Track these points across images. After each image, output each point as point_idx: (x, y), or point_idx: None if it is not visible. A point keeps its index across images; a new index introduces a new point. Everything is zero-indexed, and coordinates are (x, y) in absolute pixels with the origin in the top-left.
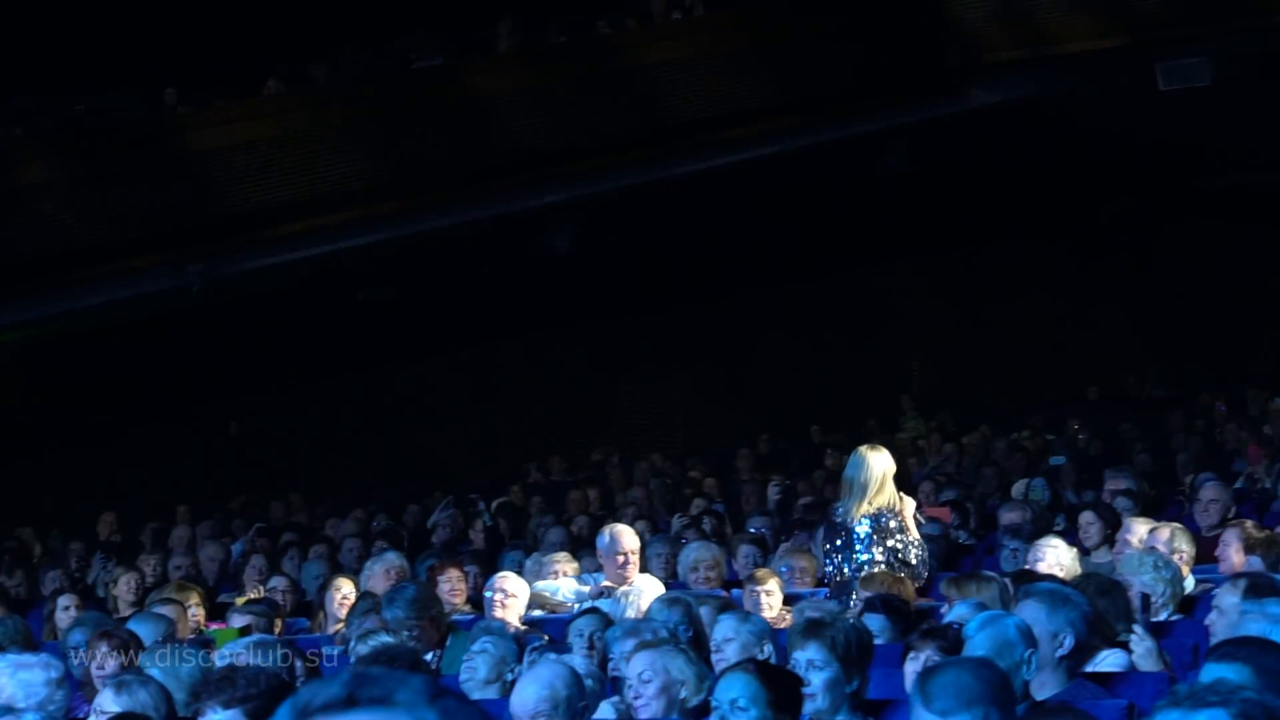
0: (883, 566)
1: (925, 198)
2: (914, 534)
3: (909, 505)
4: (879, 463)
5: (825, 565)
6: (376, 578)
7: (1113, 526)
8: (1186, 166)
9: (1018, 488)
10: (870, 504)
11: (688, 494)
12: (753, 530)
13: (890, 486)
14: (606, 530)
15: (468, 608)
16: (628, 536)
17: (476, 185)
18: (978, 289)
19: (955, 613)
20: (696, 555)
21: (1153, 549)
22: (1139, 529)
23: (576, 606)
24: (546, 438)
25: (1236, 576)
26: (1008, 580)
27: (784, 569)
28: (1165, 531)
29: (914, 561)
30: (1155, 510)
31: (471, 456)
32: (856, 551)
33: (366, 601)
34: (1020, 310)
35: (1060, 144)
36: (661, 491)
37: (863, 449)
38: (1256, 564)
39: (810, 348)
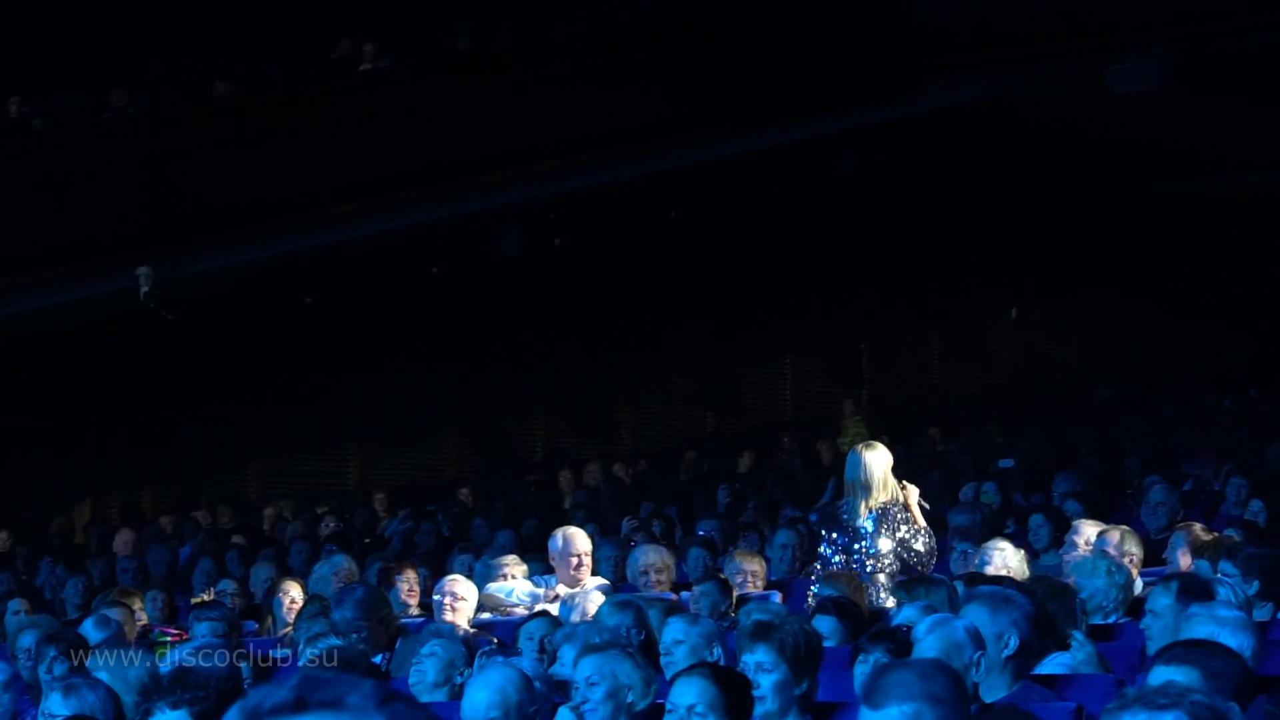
0: (892, 558)
1: (876, 200)
2: (920, 522)
3: (913, 493)
4: (877, 460)
5: (830, 557)
6: (325, 581)
7: (1062, 529)
8: (1139, 170)
9: (967, 490)
10: (875, 500)
11: (637, 496)
12: (702, 533)
13: (891, 481)
14: (559, 533)
15: (418, 611)
16: (580, 539)
17: (427, 188)
18: (928, 291)
19: (904, 615)
20: (646, 558)
21: (1103, 552)
22: (1087, 531)
23: (527, 609)
24: (493, 440)
25: (1168, 578)
26: (957, 583)
27: (733, 571)
28: (1114, 534)
29: (921, 549)
30: (1104, 513)
31: (418, 461)
32: (865, 545)
33: (314, 604)
34: (971, 313)
35: (1012, 147)
36: (611, 494)
37: (859, 448)
38: (1204, 567)
39: (761, 350)
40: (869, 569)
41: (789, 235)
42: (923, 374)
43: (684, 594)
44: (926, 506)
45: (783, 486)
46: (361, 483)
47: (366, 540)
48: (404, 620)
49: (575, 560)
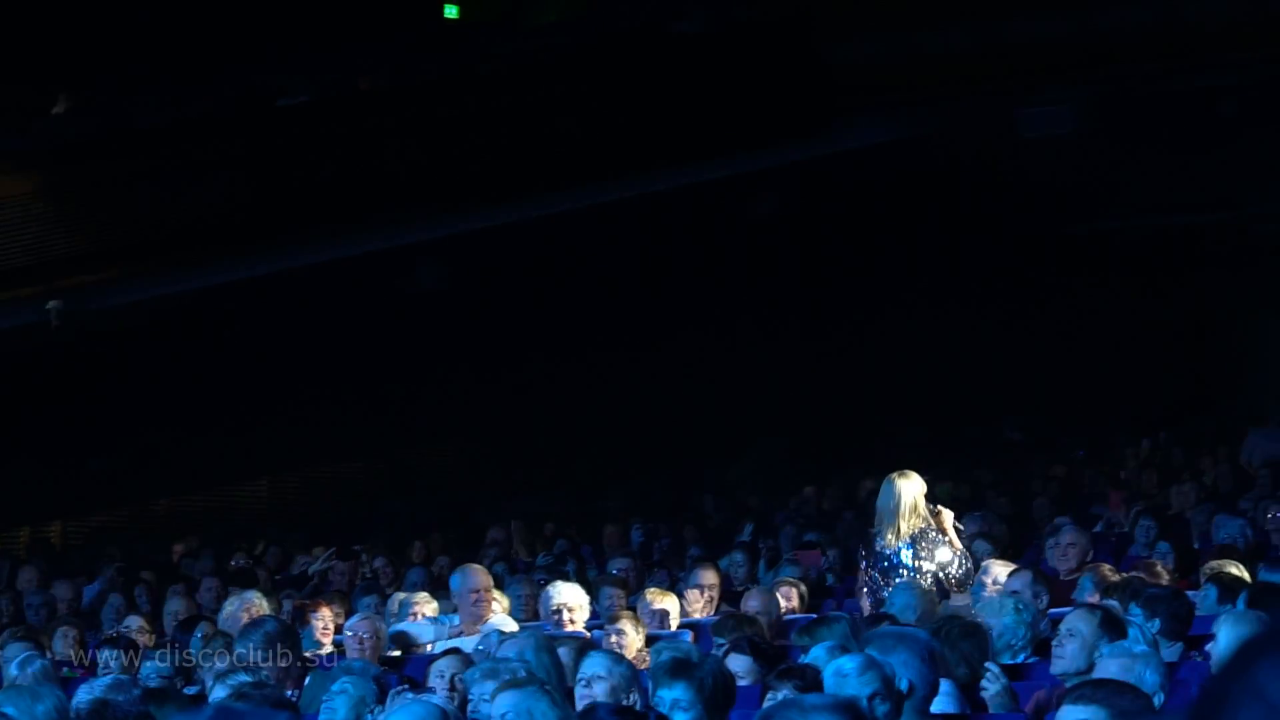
0: (930, 580)
1: (792, 239)
2: (957, 544)
3: (947, 517)
4: (908, 488)
5: (863, 588)
6: (235, 617)
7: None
8: (1048, 212)
9: None
10: (906, 526)
11: (549, 535)
12: (615, 572)
13: (922, 507)
14: (459, 570)
15: (329, 648)
16: (478, 576)
17: (345, 222)
18: (843, 330)
19: (813, 655)
20: (560, 596)
21: (1013, 592)
22: (996, 571)
23: (434, 647)
24: (412, 479)
25: (1093, 606)
26: (857, 620)
27: (645, 610)
28: (1023, 575)
29: (957, 571)
30: (1013, 553)
31: (331, 496)
32: (901, 573)
33: (219, 640)
34: (884, 352)
35: (932, 186)
36: (523, 532)
37: (893, 476)
38: (1114, 606)
39: (677, 385)
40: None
41: (704, 271)
42: (840, 409)
43: (596, 632)
44: (961, 529)
45: (695, 525)
46: (274, 518)
47: (277, 576)
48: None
49: (474, 597)
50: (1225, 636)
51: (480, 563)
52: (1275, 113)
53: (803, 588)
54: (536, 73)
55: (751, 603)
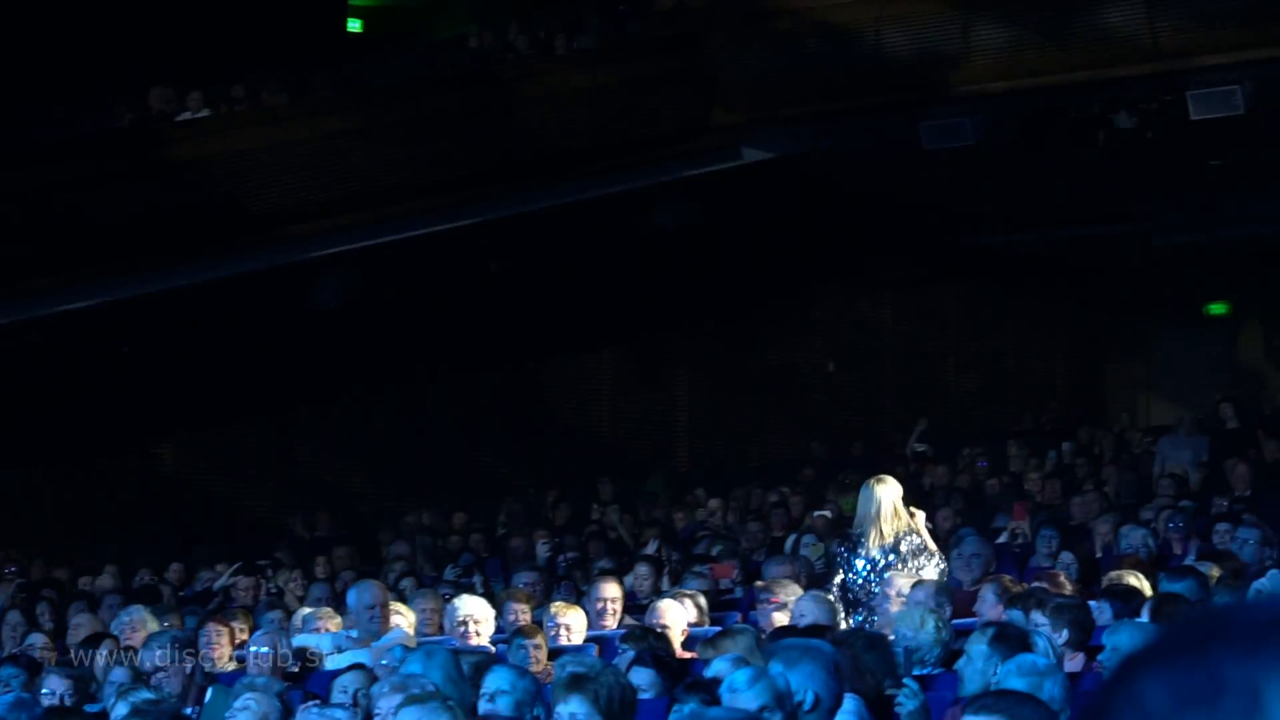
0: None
1: (694, 254)
2: (932, 546)
3: (920, 518)
4: (887, 493)
5: (852, 585)
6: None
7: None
8: (951, 224)
9: (790, 543)
10: (888, 530)
11: (454, 548)
12: (521, 584)
13: (902, 512)
14: (354, 586)
15: (231, 664)
16: (374, 590)
17: (242, 238)
18: (747, 344)
19: (716, 667)
20: (465, 609)
21: (920, 603)
22: (900, 583)
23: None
24: (316, 495)
25: (986, 625)
26: (761, 633)
27: (550, 624)
28: (927, 586)
29: (935, 574)
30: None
31: (234, 514)
32: (884, 575)
33: (120, 657)
34: (788, 365)
35: (829, 200)
36: (427, 546)
37: (870, 482)
38: (1018, 617)
39: (582, 401)
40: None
41: (604, 285)
42: (743, 426)
43: (500, 646)
44: (931, 527)
45: (599, 539)
46: (179, 536)
47: (181, 593)
48: (216, 673)
49: (370, 613)
50: (1115, 647)
51: (384, 577)
52: (1173, 125)
53: (702, 600)
54: (437, 86)
55: (656, 616)
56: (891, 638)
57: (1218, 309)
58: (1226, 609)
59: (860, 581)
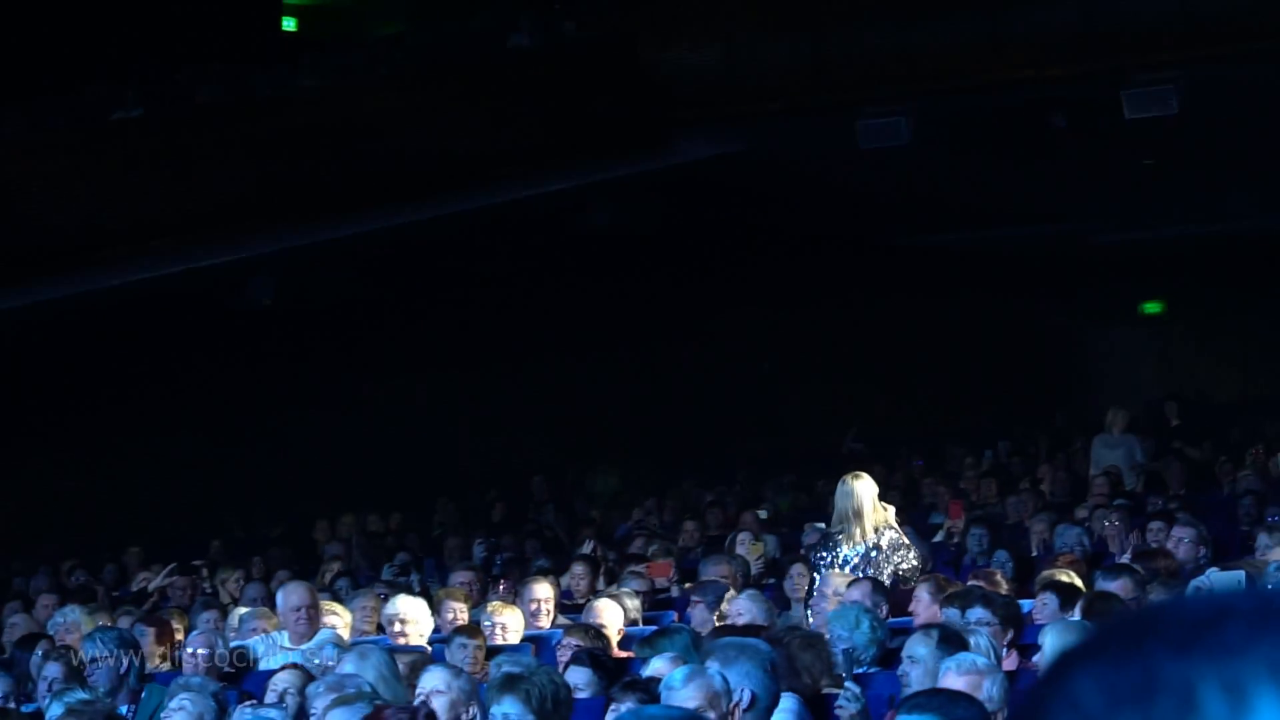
0: (889, 576)
1: (629, 253)
2: (907, 541)
3: (891, 513)
4: (865, 489)
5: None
6: (66, 633)
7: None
8: (886, 224)
9: (730, 541)
10: (868, 525)
11: (390, 548)
12: (458, 584)
13: (879, 507)
14: (281, 588)
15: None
16: (302, 591)
17: (174, 240)
18: (679, 341)
19: (653, 666)
20: (399, 609)
21: (856, 602)
22: (836, 582)
23: (268, 662)
24: (249, 492)
25: (928, 627)
26: (699, 632)
27: (487, 623)
28: (863, 585)
29: (915, 563)
30: None
31: (169, 514)
32: (865, 568)
33: (56, 654)
34: (722, 361)
35: (763, 199)
36: (364, 546)
37: (848, 478)
38: (954, 615)
39: (517, 400)
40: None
41: (542, 287)
42: (678, 420)
43: (436, 646)
44: (903, 522)
45: (535, 538)
46: (112, 536)
47: (115, 593)
48: (152, 672)
49: (296, 615)
50: (1050, 645)
51: (321, 578)
52: (1106, 126)
53: (637, 600)
54: (373, 86)
55: (592, 615)
56: (827, 636)
57: (1152, 308)
58: (1162, 607)
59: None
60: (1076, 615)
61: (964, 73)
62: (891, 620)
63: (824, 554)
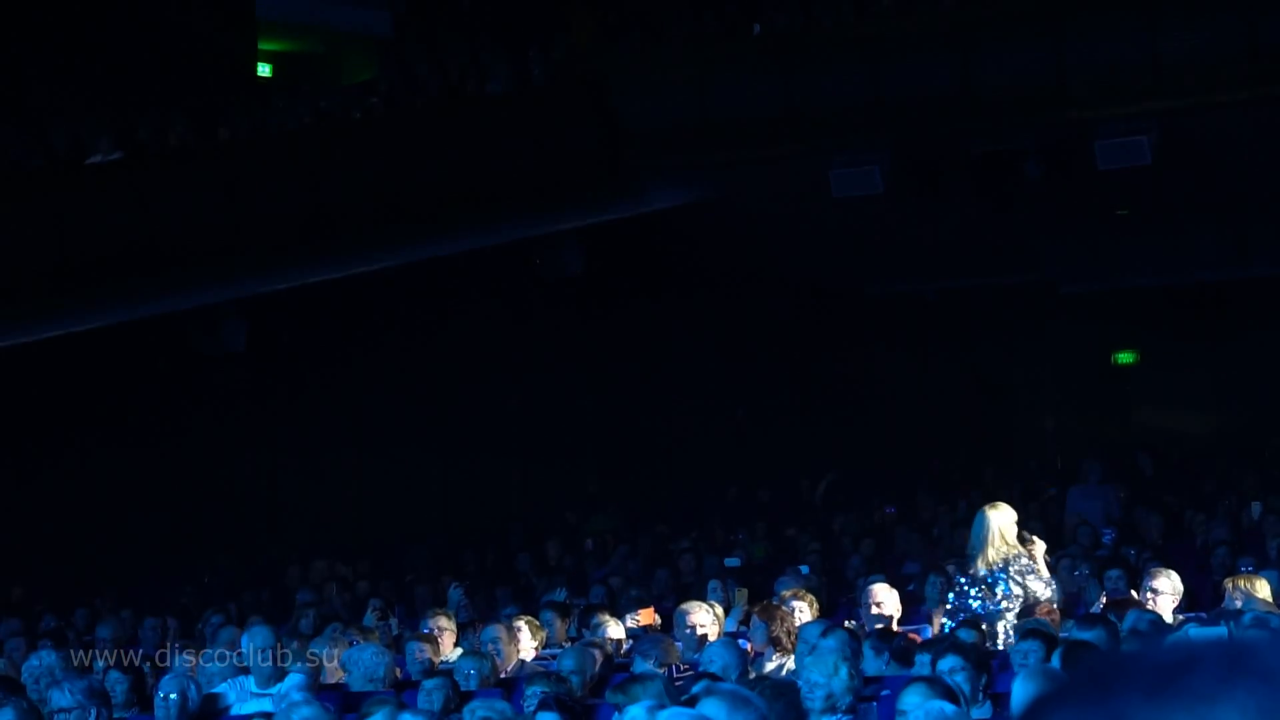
0: (1018, 604)
1: (600, 299)
2: (1045, 572)
3: (1039, 548)
4: (996, 519)
5: (965, 605)
6: (39, 673)
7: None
8: (859, 272)
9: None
10: (995, 553)
11: (361, 594)
12: (426, 629)
13: (1011, 537)
14: (247, 631)
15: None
16: (265, 635)
17: (148, 279)
18: (645, 389)
19: (631, 714)
20: (368, 657)
21: (834, 650)
22: (814, 630)
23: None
24: (219, 538)
25: (917, 680)
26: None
27: (460, 669)
28: (838, 634)
29: (1044, 597)
30: (827, 612)
31: (139, 558)
32: (994, 594)
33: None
34: (693, 410)
35: (735, 247)
36: (337, 591)
37: (985, 508)
38: (925, 661)
39: (490, 446)
40: (995, 613)
41: (513, 333)
42: (647, 471)
43: (406, 692)
44: (1050, 561)
45: (507, 584)
46: (83, 579)
47: (86, 637)
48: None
49: (262, 654)
50: (1020, 692)
51: (294, 623)
52: (1080, 174)
53: (609, 647)
54: (345, 130)
55: (566, 661)
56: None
57: (1125, 358)
58: (1132, 654)
59: (968, 600)
60: (1052, 663)
61: (937, 121)
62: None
63: (958, 576)
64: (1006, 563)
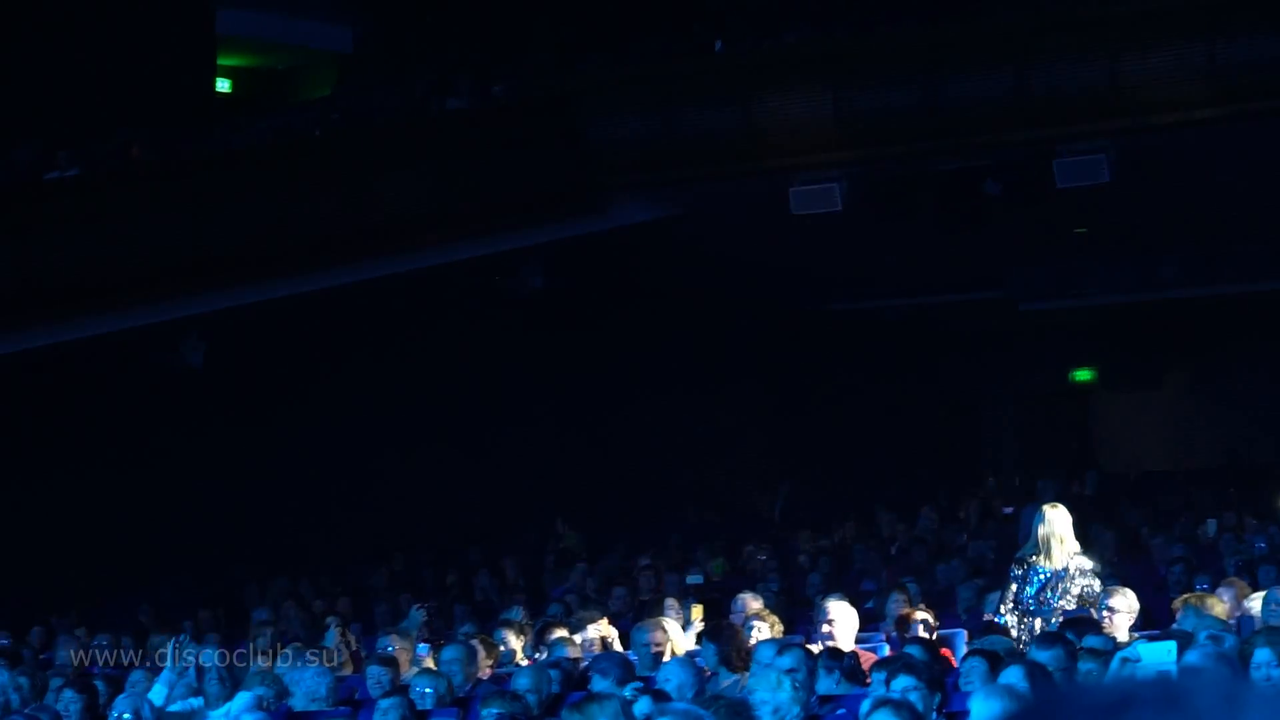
0: (1075, 602)
1: (562, 316)
2: (1091, 568)
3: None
4: (1060, 517)
5: (1026, 601)
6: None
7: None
8: (820, 290)
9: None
10: (1059, 551)
11: (321, 614)
12: (388, 649)
13: (1071, 537)
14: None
15: None
16: (219, 656)
17: (107, 296)
18: (608, 407)
19: None
20: (309, 677)
21: (789, 670)
22: (769, 650)
23: None
24: (176, 556)
25: (881, 702)
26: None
27: (416, 687)
28: (795, 652)
29: (1099, 591)
30: (786, 630)
31: (96, 577)
32: (1055, 591)
33: None
34: (652, 428)
35: (697, 264)
36: (296, 612)
37: (1045, 508)
38: (879, 679)
39: (446, 465)
40: (1057, 608)
41: (475, 350)
42: (604, 487)
43: (362, 712)
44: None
45: (464, 603)
46: (39, 598)
47: (43, 655)
48: None
49: (218, 678)
50: (978, 712)
51: (253, 642)
52: (1039, 193)
53: (566, 665)
54: (307, 148)
55: (521, 680)
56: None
57: (1083, 375)
58: (1071, 692)
59: (1032, 594)
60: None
61: (898, 140)
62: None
63: (1018, 572)
64: (1068, 560)
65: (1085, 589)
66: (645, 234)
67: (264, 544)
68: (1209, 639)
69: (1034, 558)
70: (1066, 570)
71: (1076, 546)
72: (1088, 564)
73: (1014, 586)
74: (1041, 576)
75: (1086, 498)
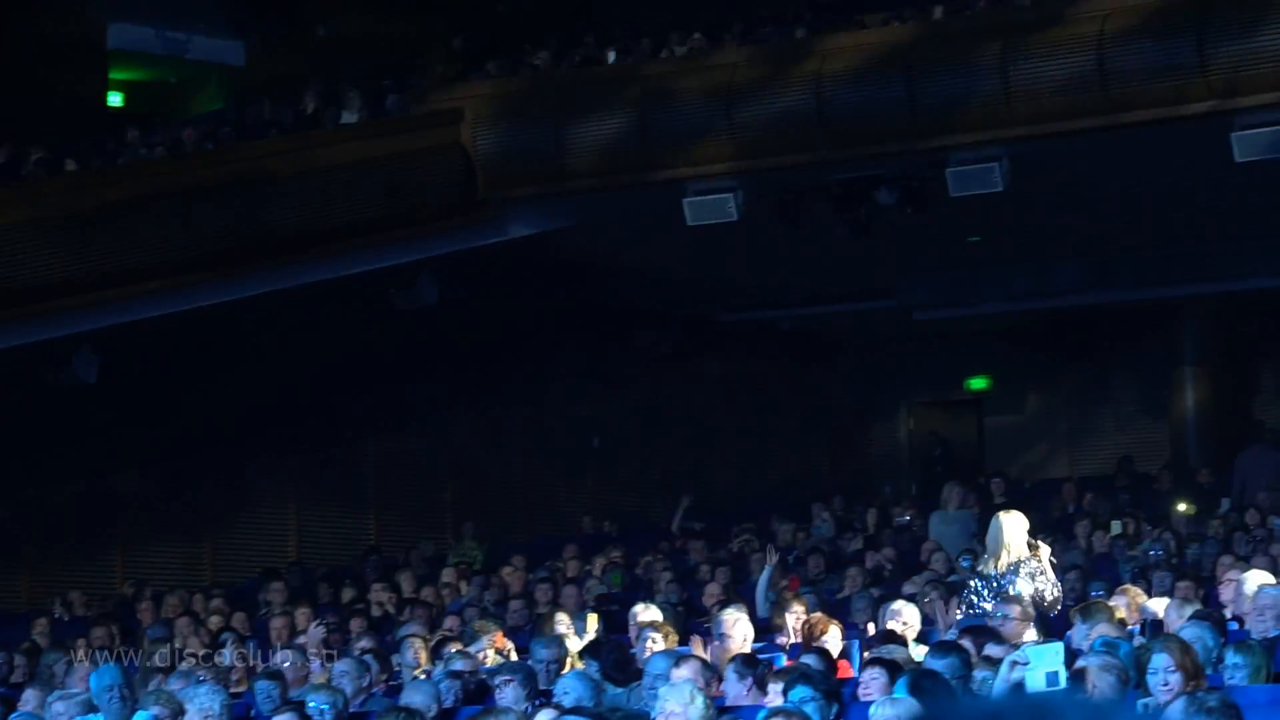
0: (1029, 600)
1: (456, 330)
2: (1051, 575)
3: (1044, 551)
4: (1009, 523)
5: (977, 603)
6: None
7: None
8: (715, 300)
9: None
10: (1008, 555)
11: (216, 630)
12: (285, 664)
13: (1022, 540)
14: (94, 670)
15: None
16: (111, 672)
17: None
18: (509, 420)
19: None
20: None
21: (689, 680)
22: (664, 662)
23: None
24: (69, 573)
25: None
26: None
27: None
28: (692, 663)
29: (1050, 598)
30: (684, 641)
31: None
32: (1006, 594)
33: None
34: (549, 440)
35: (593, 276)
36: (191, 628)
37: (999, 514)
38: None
39: (346, 478)
40: (1004, 611)
41: (370, 363)
42: (505, 498)
43: None
44: (1055, 563)
45: (362, 616)
46: None
47: None
48: None
49: (110, 694)
50: None
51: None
52: (933, 201)
53: (466, 677)
54: (199, 162)
55: (415, 695)
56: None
57: (978, 384)
58: (940, 710)
59: (977, 598)
60: (900, 692)
61: (792, 150)
62: (719, 698)
63: (973, 582)
64: (1019, 564)
65: (1041, 590)
66: (540, 246)
67: (157, 560)
68: (1103, 646)
69: (986, 564)
70: (1017, 573)
71: (1026, 551)
72: (1039, 566)
73: (973, 597)
74: (993, 581)
75: (996, 506)
